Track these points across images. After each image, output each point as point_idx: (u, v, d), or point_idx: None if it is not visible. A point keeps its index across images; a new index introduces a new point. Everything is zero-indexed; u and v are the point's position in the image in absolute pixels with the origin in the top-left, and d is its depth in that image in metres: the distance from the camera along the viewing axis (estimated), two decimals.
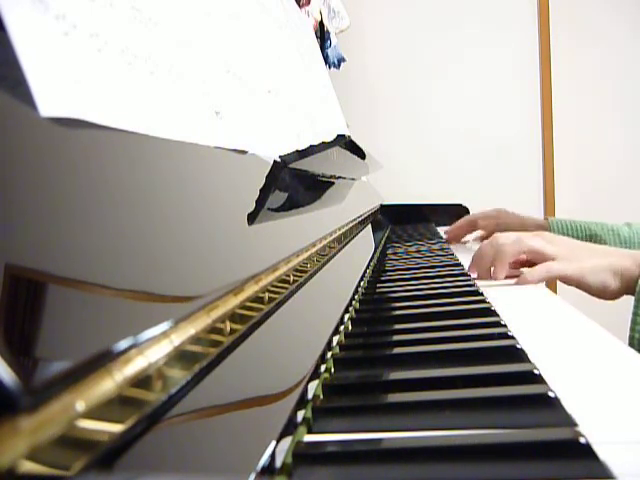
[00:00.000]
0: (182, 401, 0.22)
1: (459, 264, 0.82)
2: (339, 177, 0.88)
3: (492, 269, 0.75)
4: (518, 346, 0.39)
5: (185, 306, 0.23)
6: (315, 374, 0.36)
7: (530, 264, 0.76)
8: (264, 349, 0.32)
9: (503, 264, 0.73)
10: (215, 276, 0.28)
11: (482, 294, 0.60)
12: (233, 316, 0.28)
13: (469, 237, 1.28)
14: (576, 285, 0.69)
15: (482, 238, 1.23)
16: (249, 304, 0.31)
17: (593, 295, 0.71)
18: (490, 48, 1.97)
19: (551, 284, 1.89)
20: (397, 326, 0.50)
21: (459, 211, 1.52)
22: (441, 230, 1.36)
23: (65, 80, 0.22)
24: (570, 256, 0.70)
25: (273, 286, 0.36)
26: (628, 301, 0.73)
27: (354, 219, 0.86)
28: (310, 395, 0.33)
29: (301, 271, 0.46)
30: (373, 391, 0.35)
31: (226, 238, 0.33)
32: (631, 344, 0.78)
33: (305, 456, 0.27)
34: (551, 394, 0.30)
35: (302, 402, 0.31)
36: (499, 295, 0.68)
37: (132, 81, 0.27)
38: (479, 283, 0.69)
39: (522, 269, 0.76)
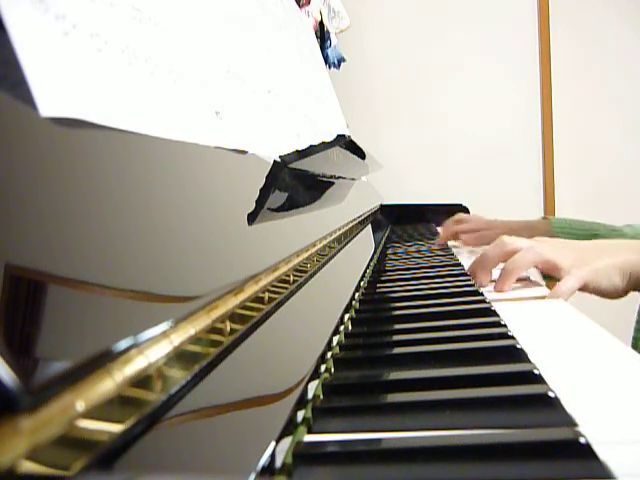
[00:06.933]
0: (182, 401, 0.22)
1: (459, 264, 0.82)
2: (339, 177, 0.88)
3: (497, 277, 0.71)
4: (518, 346, 0.39)
5: (185, 306, 0.23)
6: (315, 374, 0.36)
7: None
8: (264, 349, 0.32)
9: (512, 277, 0.68)
10: (215, 276, 0.28)
11: (482, 294, 0.60)
12: (233, 316, 0.28)
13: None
14: (589, 289, 0.67)
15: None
16: (249, 304, 0.31)
17: (602, 296, 0.68)
18: (490, 48, 1.97)
19: (551, 285, 1.89)
20: (397, 326, 0.50)
21: (459, 211, 1.52)
22: (441, 230, 1.35)
23: (65, 80, 0.22)
24: (580, 261, 0.67)
25: (273, 286, 0.36)
26: (628, 301, 0.73)
27: (354, 219, 0.86)
28: (310, 395, 0.33)
29: (301, 271, 0.46)
30: (373, 391, 0.35)
31: (226, 238, 0.33)
32: (634, 346, 0.77)
33: (305, 456, 0.27)
34: (551, 394, 0.30)
35: (302, 402, 0.31)
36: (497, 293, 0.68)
37: (132, 81, 0.27)
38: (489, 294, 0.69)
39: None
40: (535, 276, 0.77)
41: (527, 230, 1.08)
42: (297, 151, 0.53)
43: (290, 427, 0.28)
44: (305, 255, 0.47)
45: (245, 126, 0.41)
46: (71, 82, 0.22)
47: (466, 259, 0.96)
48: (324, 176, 0.77)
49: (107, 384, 0.17)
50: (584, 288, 0.67)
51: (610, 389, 0.34)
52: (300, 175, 0.61)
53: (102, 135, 0.24)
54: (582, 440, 0.25)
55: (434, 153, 2.00)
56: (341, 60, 1.67)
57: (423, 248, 1.07)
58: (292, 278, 0.42)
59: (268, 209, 0.43)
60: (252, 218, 0.38)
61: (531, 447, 0.26)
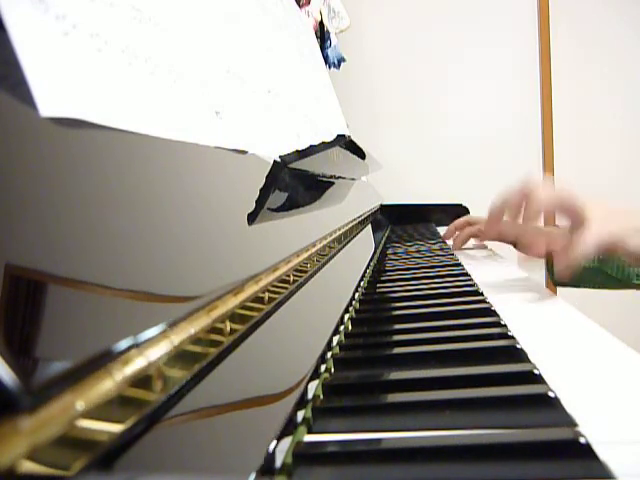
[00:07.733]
0: (182, 401, 0.22)
1: (459, 264, 0.82)
2: (339, 177, 0.88)
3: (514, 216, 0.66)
4: (518, 346, 0.39)
5: (185, 306, 0.23)
6: (315, 374, 0.36)
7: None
8: (264, 349, 0.32)
9: (537, 211, 0.62)
10: (215, 276, 0.28)
11: (482, 294, 0.60)
12: (233, 316, 0.28)
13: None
14: (615, 249, 0.61)
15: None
16: (249, 304, 0.31)
17: (631, 263, 0.62)
18: (490, 48, 1.97)
19: (551, 285, 1.89)
20: (397, 326, 0.50)
21: (459, 211, 1.52)
22: (441, 230, 1.35)
23: (65, 80, 0.22)
24: (608, 219, 0.62)
25: (273, 286, 0.36)
26: (628, 302, 0.73)
27: (354, 219, 0.86)
28: (310, 395, 0.33)
29: (301, 271, 0.46)
30: (373, 391, 0.35)
31: (226, 238, 0.33)
32: None
33: (305, 456, 0.27)
34: (551, 394, 0.30)
35: (302, 402, 0.31)
36: (498, 295, 0.68)
37: (132, 81, 0.27)
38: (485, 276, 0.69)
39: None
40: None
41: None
42: (297, 151, 0.53)
43: (290, 427, 0.28)
44: (305, 255, 0.47)
45: (245, 126, 0.41)
46: (71, 82, 0.22)
47: (466, 259, 0.96)
48: (324, 176, 0.77)
49: (107, 384, 0.17)
50: (612, 249, 0.60)
51: (610, 389, 0.34)
52: (300, 175, 0.61)
53: (102, 135, 0.24)
54: (582, 440, 0.26)
55: (434, 153, 2.00)
56: (341, 60, 1.67)
57: (423, 248, 1.07)
58: (292, 278, 0.42)
59: (268, 209, 0.43)
60: (252, 218, 0.38)
61: (531, 447, 0.26)
